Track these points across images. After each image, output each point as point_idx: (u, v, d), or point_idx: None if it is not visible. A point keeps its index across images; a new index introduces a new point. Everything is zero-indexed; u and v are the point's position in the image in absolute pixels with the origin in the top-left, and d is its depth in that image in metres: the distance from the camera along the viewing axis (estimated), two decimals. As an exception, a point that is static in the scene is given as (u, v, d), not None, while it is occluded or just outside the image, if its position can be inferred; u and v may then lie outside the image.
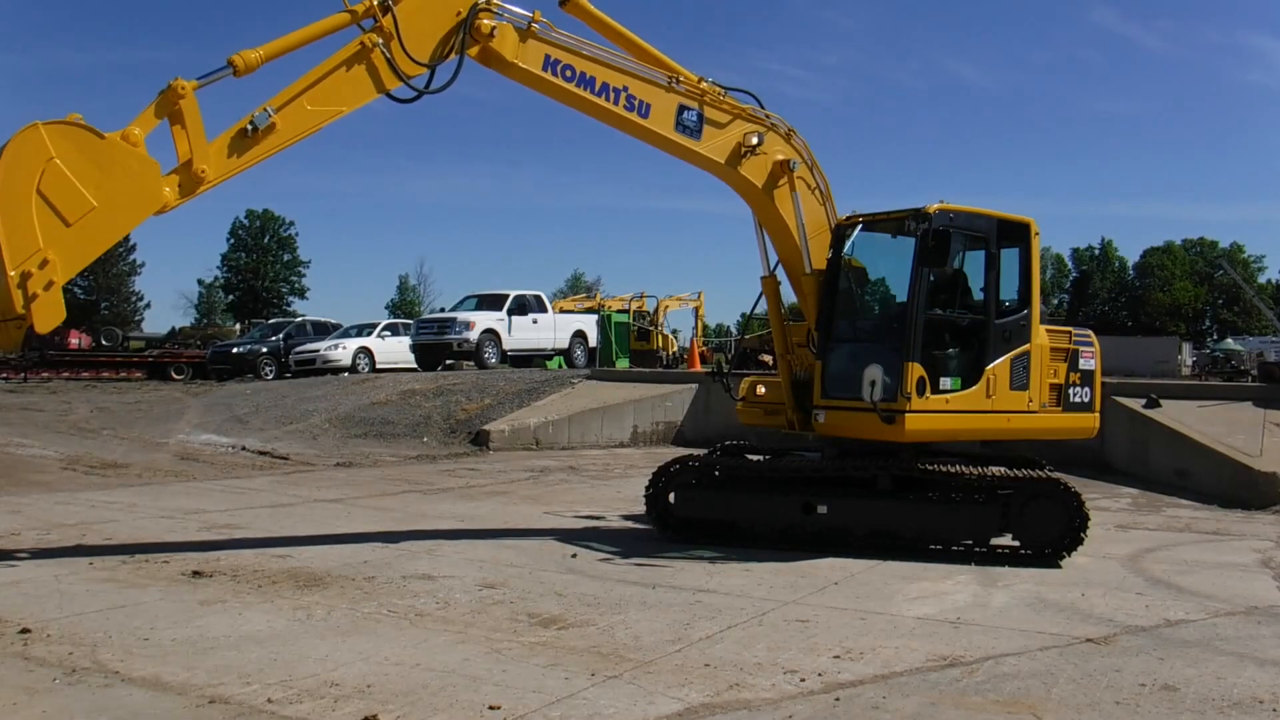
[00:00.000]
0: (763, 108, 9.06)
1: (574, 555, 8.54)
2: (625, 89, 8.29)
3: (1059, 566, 8.30)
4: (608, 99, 8.22)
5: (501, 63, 7.78)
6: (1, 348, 6.87)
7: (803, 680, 5.21)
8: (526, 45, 7.87)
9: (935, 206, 8.54)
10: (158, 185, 6.70)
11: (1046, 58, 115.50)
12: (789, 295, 9.77)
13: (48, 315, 6.42)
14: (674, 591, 7.20)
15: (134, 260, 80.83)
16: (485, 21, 7.64)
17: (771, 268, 9.66)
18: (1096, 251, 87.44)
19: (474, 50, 7.74)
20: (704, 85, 8.68)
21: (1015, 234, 9.08)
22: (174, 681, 5.03)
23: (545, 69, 7.96)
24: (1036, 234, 9.14)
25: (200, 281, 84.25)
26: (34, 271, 6.25)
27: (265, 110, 7.02)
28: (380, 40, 7.34)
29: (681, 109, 8.56)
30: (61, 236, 6.36)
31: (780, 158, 9.04)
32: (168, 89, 6.71)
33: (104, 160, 6.48)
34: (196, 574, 7.49)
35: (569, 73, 8.04)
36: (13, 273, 6.21)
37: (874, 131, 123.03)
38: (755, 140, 8.84)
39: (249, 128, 6.98)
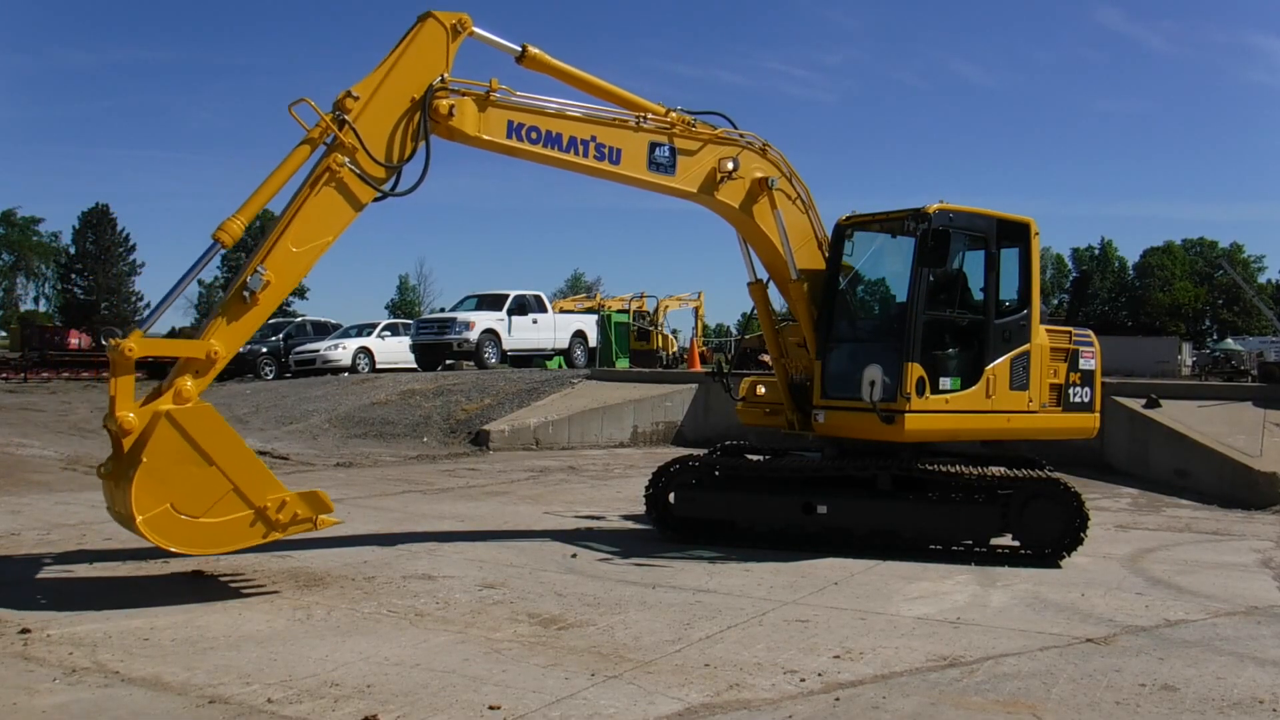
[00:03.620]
0: (735, 127, 8.99)
1: (574, 555, 8.54)
2: (593, 138, 8.20)
3: (1059, 566, 8.30)
4: (577, 153, 8.13)
5: (466, 138, 7.68)
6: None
7: (803, 680, 5.21)
8: (487, 115, 7.73)
9: (935, 206, 8.54)
10: (191, 409, 6.50)
11: (1050, 58, 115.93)
12: (779, 298, 9.76)
13: (311, 504, 6.80)
14: (674, 591, 7.20)
15: (134, 260, 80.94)
16: (443, 101, 7.47)
17: (763, 279, 9.65)
18: (1096, 251, 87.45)
19: (436, 129, 7.56)
20: (672, 116, 8.60)
21: (1015, 234, 9.08)
22: (174, 681, 5.03)
23: (510, 135, 7.85)
24: (1036, 234, 9.14)
25: (200, 281, 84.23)
26: (275, 516, 6.67)
27: (256, 272, 6.80)
28: (346, 159, 7.12)
29: (653, 146, 8.48)
30: (239, 497, 6.57)
31: (758, 175, 8.98)
32: (117, 355, 6.33)
33: (167, 457, 6.34)
34: (196, 574, 7.49)
35: (534, 134, 7.94)
36: (277, 531, 6.72)
37: (876, 131, 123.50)
38: (731, 166, 8.76)
39: (245, 294, 6.79)
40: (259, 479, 6.68)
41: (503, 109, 7.83)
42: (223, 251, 6.95)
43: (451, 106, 7.50)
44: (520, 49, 8.09)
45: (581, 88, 8.48)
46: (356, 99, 7.17)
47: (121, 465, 6.48)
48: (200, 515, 6.41)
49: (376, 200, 7.43)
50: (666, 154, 8.56)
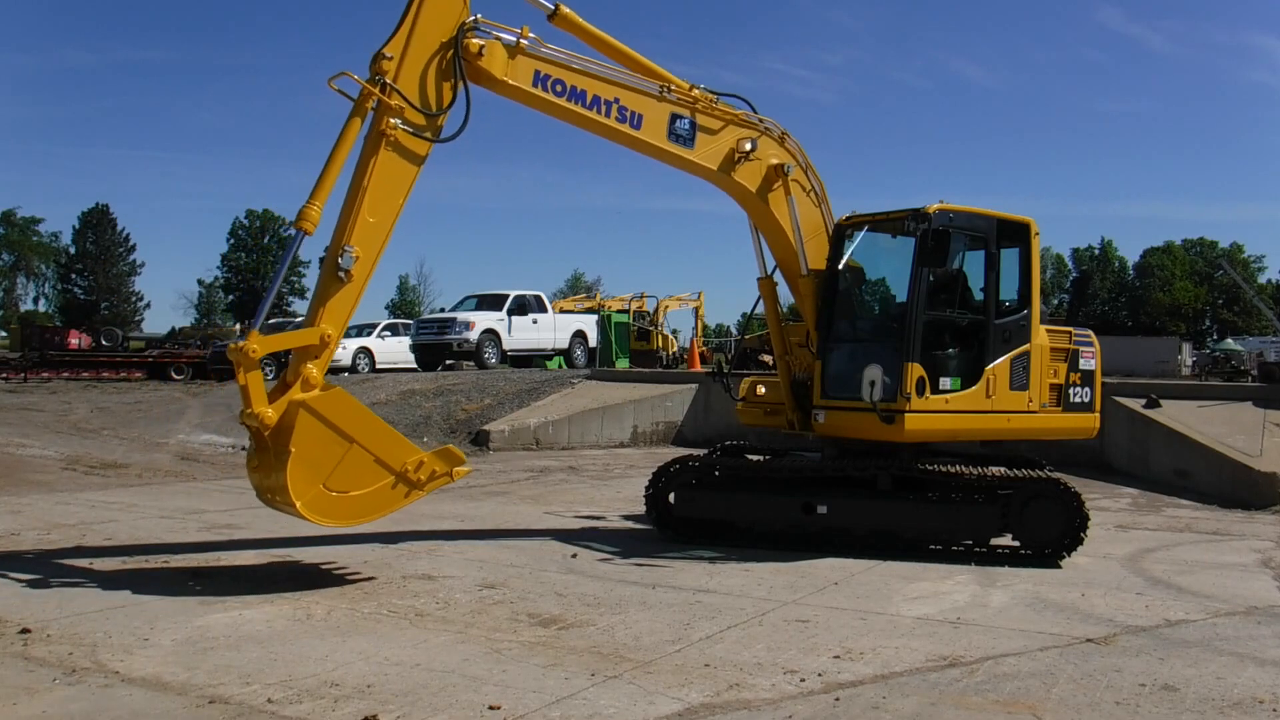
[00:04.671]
0: (755, 112, 9.04)
1: (574, 555, 8.54)
2: (616, 100, 8.25)
3: (1059, 566, 8.30)
4: (599, 112, 8.18)
5: (492, 80, 7.73)
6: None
7: (803, 680, 5.21)
8: (516, 62, 7.80)
9: (935, 206, 8.54)
10: (324, 395, 6.98)
11: (1051, 57, 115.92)
12: (786, 296, 9.78)
13: (445, 459, 7.32)
14: (674, 591, 7.20)
15: (134, 260, 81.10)
16: (474, 41, 7.56)
17: (769, 270, 9.67)
18: (1096, 251, 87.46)
19: (465, 70, 7.60)
20: (695, 92, 8.65)
21: (1015, 234, 9.08)
22: (174, 681, 5.03)
23: (535, 85, 7.90)
24: (1036, 234, 9.14)
25: (200, 281, 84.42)
26: (415, 476, 7.16)
27: (344, 250, 7.07)
28: (398, 120, 7.26)
29: (674, 118, 8.54)
30: (380, 466, 7.07)
31: (774, 162, 9.04)
32: (241, 355, 6.68)
33: (311, 443, 6.78)
34: (196, 574, 7.49)
35: (559, 87, 7.99)
36: (418, 490, 7.21)
37: (877, 131, 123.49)
38: (749, 146, 8.82)
39: (341, 274, 7.07)
40: (395, 445, 7.16)
41: (531, 58, 7.89)
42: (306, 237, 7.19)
43: (481, 47, 7.58)
44: (553, 7, 8.15)
45: (610, 54, 8.50)
46: (390, 58, 7.28)
47: (268, 457, 6.91)
48: (350, 489, 6.91)
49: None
50: (686, 127, 8.62)
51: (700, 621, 6.36)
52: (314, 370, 6.99)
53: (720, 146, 8.80)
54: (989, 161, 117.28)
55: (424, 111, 7.38)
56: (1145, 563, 8.64)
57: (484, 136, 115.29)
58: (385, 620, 6.31)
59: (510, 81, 7.79)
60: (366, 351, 28.42)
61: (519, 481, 13.98)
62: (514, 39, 7.78)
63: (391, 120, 7.23)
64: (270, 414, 6.75)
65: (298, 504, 6.67)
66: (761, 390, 10.12)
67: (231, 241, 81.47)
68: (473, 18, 7.58)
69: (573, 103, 8.07)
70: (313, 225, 7.07)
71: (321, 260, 7.64)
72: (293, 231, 7.10)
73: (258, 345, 6.70)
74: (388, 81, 7.25)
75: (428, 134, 7.43)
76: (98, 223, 78.78)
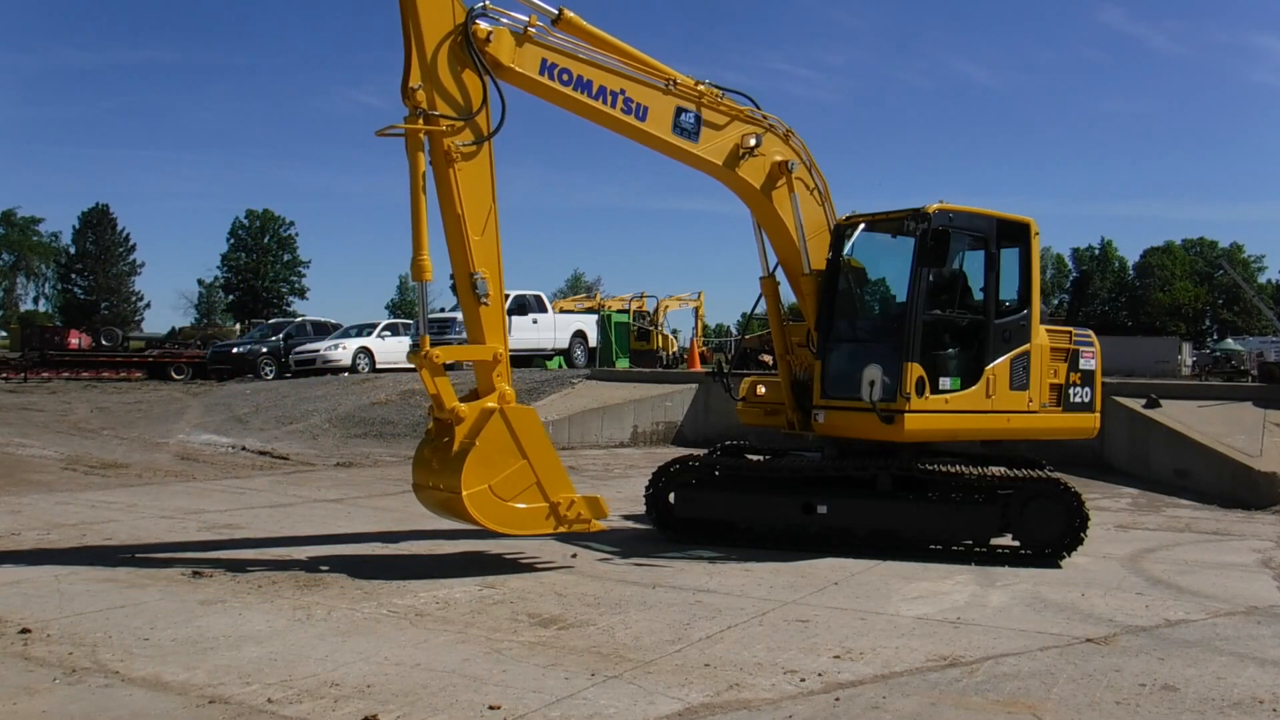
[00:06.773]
0: (760, 109, 9.06)
1: (574, 555, 8.54)
2: (622, 92, 8.30)
3: (1059, 566, 8.30)
4: (605, 102, 8.22)
5: (498, 67, 7.77)
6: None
7: (803, 680, 5.21)
8: (523, 50, 7.86)
9: (935, 206, 8.54)
10: (520, 409, 7.71)
11: (1053, 57, 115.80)
12: (788, 296, 9.78)
13: (591, 508, 7.88)
14: (674, 591, 7.20)
15: (134, 260, 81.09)
16: (481, 25, 7.63)
17: (771, 269, 9.68)
18: (1096, 251, 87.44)
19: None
20: (701, 88, 8.68)
21: (1015, 234, 9.08)
22: (174, 681, 5.04)
23: (542, 73, 7.95)
24: (1036, 234, 9.14)
25: (200, 281, 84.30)
26: (565, 513, 7.75)
27: (473, 276, 7.57)
28: (454, 139, 7.50)
29: (679, 111, 8.57)
30: (539, 491, 7.68)
31: (778, 159, 9.06)
32: (429, 363, 7.39)
33: (493, 447, 7.47)
34: (196, 574, 7.49)
35: (566, 76, 8.04)
36: (563, 526, 7.78)
37: (879, 131, 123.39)
38: (753, 142, 8.85)
39: (484, 301, 7.64)
40: (557, 478, 7.71)
41: (538, 46, 7.95)
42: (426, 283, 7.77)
43: (489, 33, 7.67)
44: (557, 12, 8.17)
45: (615, 55, 8.49)
46: (418, 88, 7.45)
47: (446, 451, 7.52)
48: (509, 500, 7.49)
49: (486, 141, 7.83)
50: (692, 120, 8.67)
51: (700, 621, 6.36)
52: (507, 386, 7.69)
53: (725, 141, 8.82)
54: (989, 161, 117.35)
55: (464, 118, 7.57)
56: (1145, 563, 8.64)
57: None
58: (385, 620, 6.31)
59: (517, 68, 7.83)
60: (366, 351, 28.35)
61: (519, 481, 13.94)
62: (522, 27, 7.85)
63: (448, 141, 7.47)
64: (465, 410, 7.46)
65: (464, 493, 7.20)
66: (761, 390, 10.12)
67: (231, 241, 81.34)
68: (480, 4, 7.66)
69: (579, 92, 8.11)
70: (429, 274, 7.52)
71: (453, 288, 8.46)
72: (413, 283, 7.71)
73: (441, 353, 7.48)
74: (426, 111, 7.42)
75: (477, 135, 7.64)
76: (98, 223, 78.74)
